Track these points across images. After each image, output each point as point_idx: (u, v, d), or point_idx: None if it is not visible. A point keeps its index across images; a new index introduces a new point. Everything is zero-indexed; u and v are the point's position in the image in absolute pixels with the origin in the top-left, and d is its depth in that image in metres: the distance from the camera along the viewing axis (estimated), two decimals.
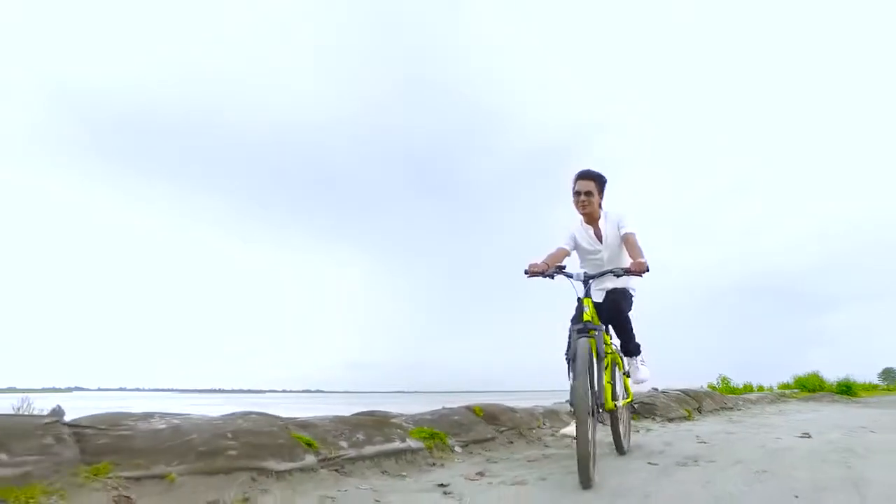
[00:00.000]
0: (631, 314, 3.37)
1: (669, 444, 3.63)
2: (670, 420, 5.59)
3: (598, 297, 3.27)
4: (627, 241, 3.15)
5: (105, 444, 1.83)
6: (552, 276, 2.99)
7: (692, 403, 6.70)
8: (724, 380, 15.28)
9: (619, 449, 3.20)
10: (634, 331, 3.38)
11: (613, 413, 3.10)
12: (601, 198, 3.29)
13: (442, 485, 2.23)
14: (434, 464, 2.71)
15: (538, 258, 3.06)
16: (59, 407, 2.15)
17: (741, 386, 15.37)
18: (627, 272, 2.90)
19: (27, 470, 1.60)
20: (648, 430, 4.56)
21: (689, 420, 5.80)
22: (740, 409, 7.80)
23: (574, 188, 3.23)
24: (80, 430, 1.87)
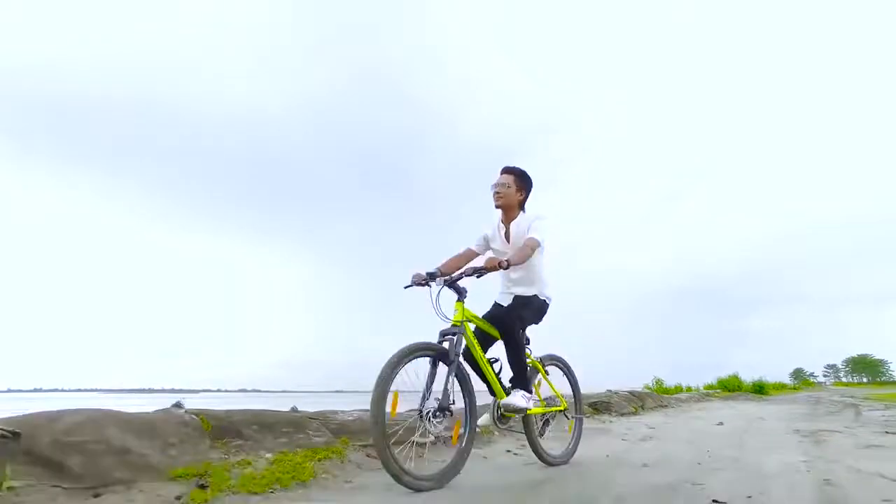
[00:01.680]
0: (527, 331, 3.02)
1: (630, 429, 5.24)
2: (622, 415, 7.29)
3: (506, 300, 3.09)
4: (519, 246, 2.88)
5: None
6: (427, 284, 2.76)
7: (637, 402, 8.49)
8: (658, 381, 17.61)
9: (540, 458, 3.05)
10: (525, 356, 2.90)
11: (525, 420, 2.97)
12: (522, 196, 3.09)
13: None
14: None
15: (437, 263, 2.93)
16: None
17: (673, 387, 17.80)
18: (478, 271, 2.67)
19: None
20: (610, 421, 6.20)
21: (636, 415, 7.53)
22: (673, 407, 9.71)
23: (493, 183, 3.08)
24: None
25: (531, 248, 2.81)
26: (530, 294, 3.01)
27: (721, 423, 5.96)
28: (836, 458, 3.22)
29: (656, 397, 10.03)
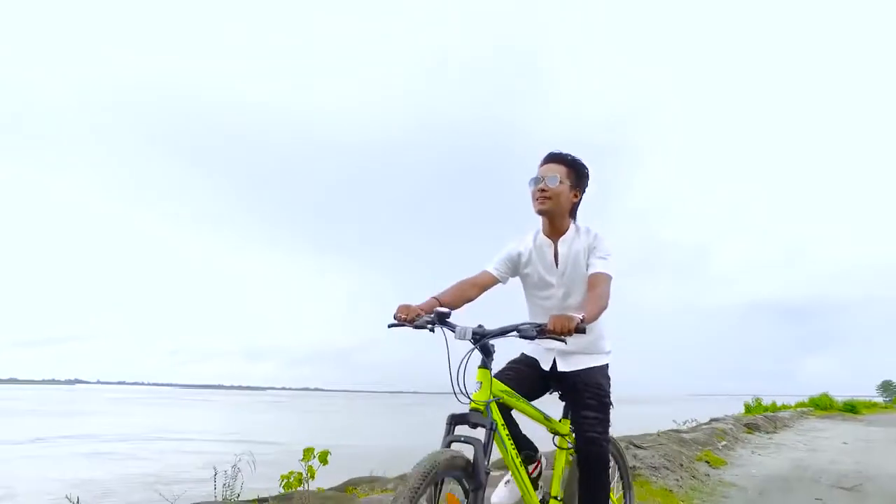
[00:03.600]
0: (610, 420, 2.10)
1: (789, 444, 8.83)
2: (767, 433, 10.83)
3: (544, 361, 2.17)
4: (591, 283, 2.01)
5: None
6: (430, 329, 1.85)
7: (773, 424, 12.02)
8: (758, 400, 20.53)
9: None
10: (608, 476, 2.07)
11: None
12: (577, 198, 2.15)
13: None
14: None
15: (431, 293, 1.99)
16: None
17: (770, 404, 20.63)
18: (542, 332, 1.71)
19: None
20: (769, 438, 9.80)
21: (777, 433, 11.04)
22: (794, 428, 13.06)
23: (534, 178, 2.11)
24: None
25: (608, 289, 1.97)
26: (594, 364, 2.15)
27: (846, 443, 9.43)
28: None
29: (777, 417, 13.42)
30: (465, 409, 1.73)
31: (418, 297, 1.97)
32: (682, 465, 5.08)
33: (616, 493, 2.42)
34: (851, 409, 22.26)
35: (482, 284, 2.13)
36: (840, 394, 25.24)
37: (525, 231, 2.25)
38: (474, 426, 1.70)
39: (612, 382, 2.21)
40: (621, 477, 2.52)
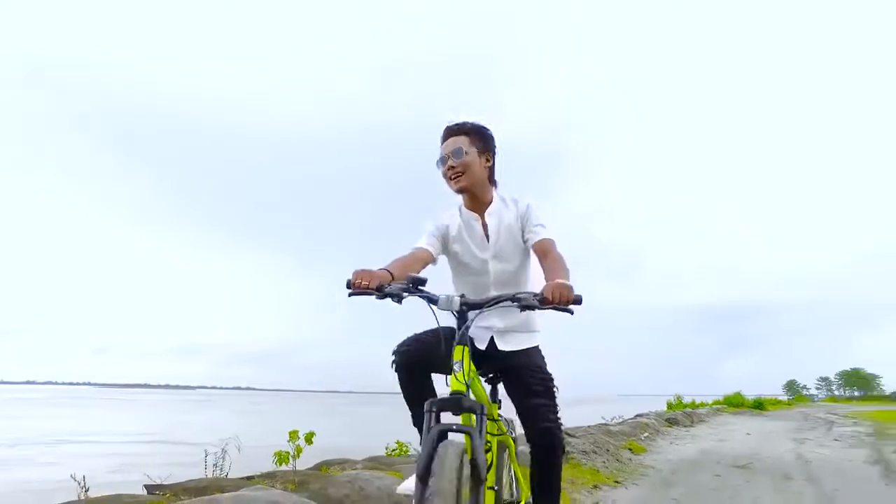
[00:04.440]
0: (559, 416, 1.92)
1: (703, 435, 10.00)
2: (684, 426, 12.07)
3: (479, 339, 2.00)
4: (541, 251, 1.90)
5: None
6: (397, 298, 1.62)
7: (690, 419, 13.34)
8: (678, 397, 22.38)
9: None
10: (561, 461, 1.93)
11: None
12: (489, 163, 2.04)
13: None
14: None
15: (378, 264, 1.74)
16: None
17: (688, 402, 22.58)
18: (544, 302, 1.56)
19: None
20: (686, 431, 10.99)
21: (693, 427, 12.33)
22: (707, 422, 14.52)
23: (440, 158, 1.99)
24: None
25: (563, 256, 1.84)
26: (532, 345, 2.04)
27: (749, 434, 10.77)
28: (807, 449, 7.98)
29: (695, 414, 14.89)
30: (445, 394, 1.56)
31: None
32: (608, 451, 5.85)
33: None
34: (759, 405, 24.72)
35: (423, 260, 1.94)
36: (751, 392, 28.11)
37: (439, 209, 2.08)
38: (463, 411, 1.54)
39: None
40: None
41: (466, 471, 1.40)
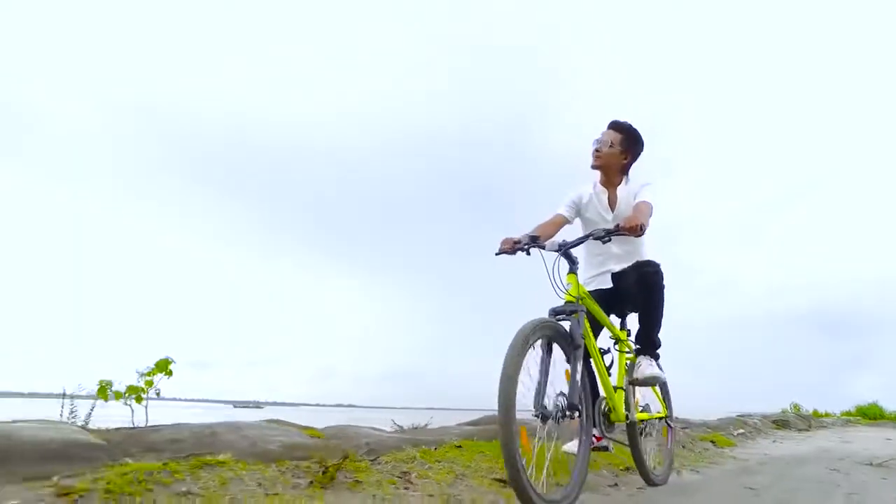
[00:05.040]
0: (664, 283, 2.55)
1: (826, 438, 8.02)
2: (799, 430, 9.92)
3: (604, 282, 2.69)
4: (635, 208, 2.48)
5: None
6: (526, 251, 2.32)
7: (805, 422, 11.04)
8: (796, 406, 19.32)
9: (646, 478, 2.62)
10: (663, 310, 2.59)
11: (631, 429, 2.57)
12: (627, 159, 2.68)
13: None
14: None
15: (521, 231, 2.40)
16: None
17: (811, 412, 19.40)
18: (611, 233, 2.22)
19: None
20: (798, 433, 8.94)
21: (808, 431, 10.13)
22: (830, 428, 12.05)
23: (595, 139, 2.69)
24: None
25: (649, 211, 2.41)
26: (644, 261, 2.62)
27: (889, 439, 8.52)
28: None
29: (814, 420, 12.40)
30: (561, 303, 2.21)
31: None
32: (677, 440, 4.47)
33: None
34: None
35: (558, 223, 2.66)
36: (893, 407, 23.57)
37: (579, 182, 2.82)
38: (570, 313, 2.16)
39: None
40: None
41: (542, 339, 2.00)
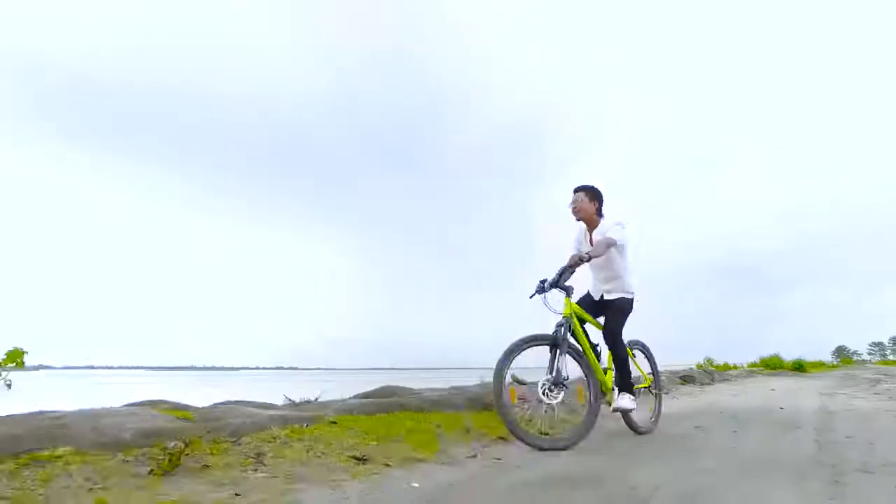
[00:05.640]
0: (623, 326, 3.76)
1: (721, 391, 8.77)
2: (703, 384, 10.82)
3: (596, 295, 3.91)
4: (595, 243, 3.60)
5: None
6: (545, 291, 3.58)
7: (709, 377, 12.04)
8: (709, 360, 20.94)
9: (632, 428, 3.85)
10: (628, 362, 3.76)
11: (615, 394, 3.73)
12: (596, 205, 3.79)
13: None
14: None
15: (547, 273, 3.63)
16: None
17: (721, 364, 21.08)
18: (564, 270, 3.51)
19: None
20: (703, 386, 9.74)
21: (712, 385, 11.06)
22: (732, 381, 13.20)
23: (569, 202, 3.83)
24: None
25: (606, 244, 3.52)
26: (618, 296, 3.79)
27: (773, 389, 9.44)
28: (836, 402, 6.71)
29: (717, 373, 13.54)
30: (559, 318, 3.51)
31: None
32: (565, 402, 4.76)
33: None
34: (799, 367, 22.83)
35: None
36: (795, 357, 25.85)
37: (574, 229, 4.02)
38: (561, 326, 3.43)
39: (630, 310, 3.86)
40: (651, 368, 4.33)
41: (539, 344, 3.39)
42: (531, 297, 3.59)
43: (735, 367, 20.82)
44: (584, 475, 2.44)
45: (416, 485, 2.16)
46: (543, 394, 3.24)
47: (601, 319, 3.85)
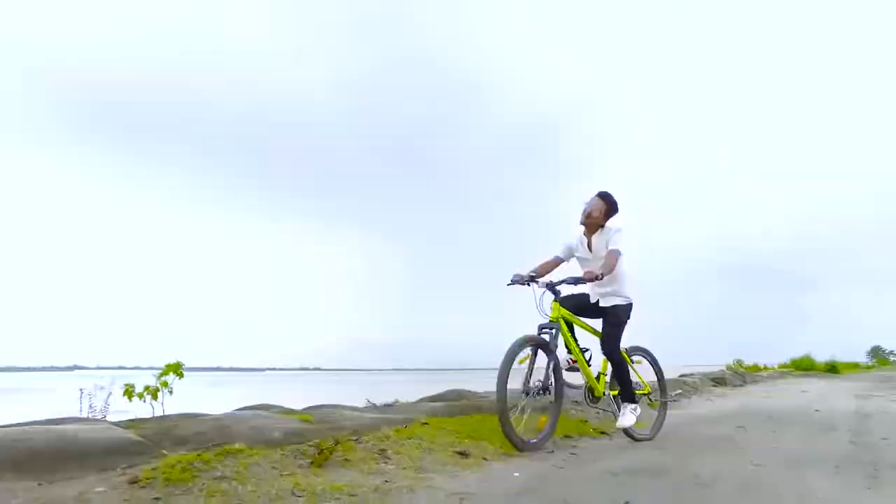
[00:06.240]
0: (622, 336, 3.73)
1: (753, 393, 9.08)
2: (735, 386, 11.09)
3: (592, 297, 3.80)
4: (606, 255, 3.57)
5: None
6: (527, 284, 3.58)
7: (741, 379, 12.31)
8: (738, 361, 20.96)
9: (627, 434, 3.79)
10: (629, 371, 3.75)
11: (608, 400, 3.80)
12: (605, 218, 3.74)
13: None
14: None
15: (527, 267, 3.69)
16: None
17: (750, 366, 21.09)
18: (577, 281, 3.48)
19: None
20: (735, 387, 10.05)
21: (743, 387, 11.33)
22: (763, 382, 13.41)
23: (586, 202, 3.77)
24: None
25: (615, 259, 3.51)
26: (615, 304, 3.71)
27: (805, 391, 9.69)
28: (871, 404, 6.99)
29: (748, 375, 13.76)
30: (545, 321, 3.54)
31: None
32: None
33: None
34: (832, 368, 22.58)
35: (555, 263, 3.85)
36: (822, 358, 25.51)
37: (571, 236, 3.94)
38: (549, 328, 3.49)
39: (631, 316, 3.80)
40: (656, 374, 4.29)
41: (530, 346, 3.40)
42: (509, 285, 3.63)
43: (765, 369, 20.79)
44: (652, 466, 2.93)
45: (517, 474, 2.64)
46: (532, 393, 3.37)
47: (594, 324, 3.81)
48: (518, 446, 3.16)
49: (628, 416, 3.65)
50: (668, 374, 11.31)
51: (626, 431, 3.77)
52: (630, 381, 3.71)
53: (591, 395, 3.76)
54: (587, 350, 3.72)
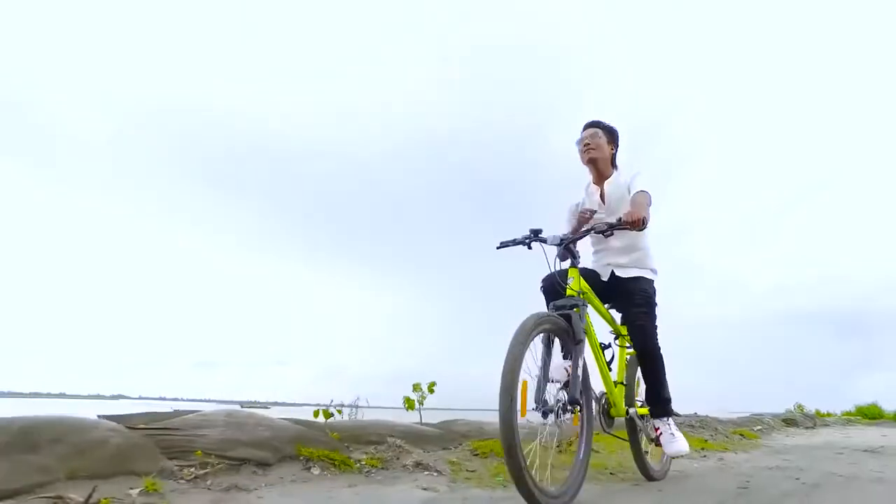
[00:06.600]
0: (657, 324, 2.61)
1: (830, 434, 9.29)
2: (807, 428, 11.22)
3: (603, 274, 2.73)
4: (632, 201, 2.49)
5: None
6: (528, 244, 2.43)
7: (812, 421, 12.38)
8: (800, 407, 20.49)
9: (644, 471, 2.70)
10: (664, 366, 2.56)
11: (631, 423, 2.67)
12: (613, 149, 2.80)
13: None
14: None
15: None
16: None
17: (813, 412, 20.55)
18: (613, 227, 2.33)
19: None
20: (808, 431, 10.23)
21: (814, 429, 11.43)
22: (833, 427, 13.37)
23: (578, 139, 2.81)
24: None
25: (649, 202, 2.46)
26: (640, 276, 2.69)
27: (884, 435, 9.81)
28: None
29: (818, 419, 13.75)
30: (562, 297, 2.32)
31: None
32: (716, 430, 5.77)
33: None
34: None
35: (583, 217, 2.78)
36: (891, 408, 24.57)
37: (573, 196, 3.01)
38: (571, 307, 2.23)
39: (657, 293, 2.76)
40: None
41: (543, 333, 2.09)
42: (499, 248, 2.52)
43: (829, 415, 20.31)
44: (782, 467, 3.53)
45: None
46: (554, 412, 2.03)
47: (610, 309, 2.78)
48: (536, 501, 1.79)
49: (679, 440, 2.55)
50: (728, 414, 11.52)
51: (642, 463, 2.73)
52: (667, 386, 2.60)
53: (607, 414, 2.56)
54: (608, 346, 2.61)
